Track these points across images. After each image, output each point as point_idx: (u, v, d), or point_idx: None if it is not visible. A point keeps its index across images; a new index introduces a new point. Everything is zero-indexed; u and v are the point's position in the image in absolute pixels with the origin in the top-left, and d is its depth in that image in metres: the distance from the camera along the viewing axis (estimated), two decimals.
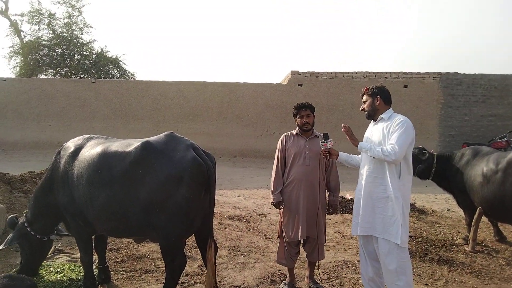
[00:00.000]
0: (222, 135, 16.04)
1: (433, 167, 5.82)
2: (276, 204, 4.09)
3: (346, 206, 7.55)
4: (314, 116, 4.19)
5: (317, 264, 4.20)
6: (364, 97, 3.64)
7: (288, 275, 4.22)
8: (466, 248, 5.40)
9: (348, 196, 8.17)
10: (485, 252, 5.35)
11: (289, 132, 4.27)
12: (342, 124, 3.57)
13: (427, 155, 5.79)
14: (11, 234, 3.90)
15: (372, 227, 3.38)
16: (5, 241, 3.86)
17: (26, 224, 3.89)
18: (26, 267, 3.89)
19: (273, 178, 4.15)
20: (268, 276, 4.39)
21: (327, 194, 4.16)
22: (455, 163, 5.68)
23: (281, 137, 4.27)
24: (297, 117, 4.14)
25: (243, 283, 4.20)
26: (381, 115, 3.50)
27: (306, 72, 15.93)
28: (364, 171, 3.52)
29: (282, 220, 4.12)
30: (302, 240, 4.13)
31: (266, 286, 4.19)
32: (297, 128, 4.21)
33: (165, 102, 16.33)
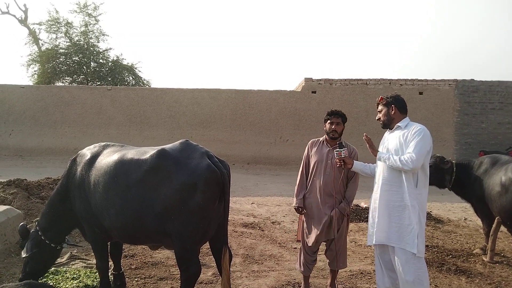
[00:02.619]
0: (235, 142, 16.08)
1: (452, 175, 5.75)
2: (297, 209, 4.13)
3: (361, 215, 7.48)
4: (344, 127, 4.14)
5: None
6: (379, 107, 3.64)
7: (302, 283, 4.19)
8: (484, 259, 5.30)
9: (363, 205, 8.09)
10: (504, 262, 5.24)
11: (317, 139, 4.28)
12: (364, 134, 3.60)
13: (449, 164, 5.72)
14: (28, 242, 3.90)
15: (388, 236, 3.34)
16: (25, 249, 3.86)
17: (40, 233, 3.89)
18: (31, 275, 3.84)
19: (297, 183, 4.21)
20: (283, 285, 4.35)
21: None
22: (473, 171, 5.59)
23: (308, 142, 4.30)
24: (327, 122, 4.12)
25: None
26: (397, 124, 3.48)
27: (320, 79, 15.91)
28: (379, 180, 3.49)
29: (302, 225, 4.15)
30: (324, 249, 4.16)
31: None
32: (325, 135, 4.20)
33: (179, 109, 16.46)
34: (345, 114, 4.15)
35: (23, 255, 3.84)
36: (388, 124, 3.56)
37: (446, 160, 5.76)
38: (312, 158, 4.12)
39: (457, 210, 8.68)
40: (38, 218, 4.07)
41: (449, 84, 15.46)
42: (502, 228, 5.40)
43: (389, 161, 3.33)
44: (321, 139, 4.22)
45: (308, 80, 15.93)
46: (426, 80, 15.58)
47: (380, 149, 3.65)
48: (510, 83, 15.39)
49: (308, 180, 4.15)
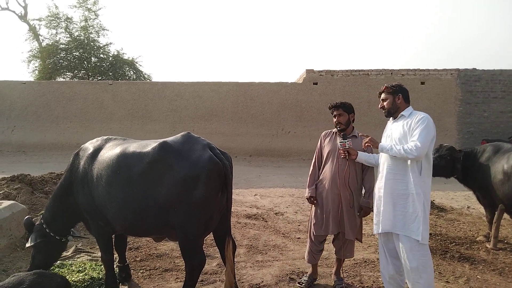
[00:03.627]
0: (237, 135, 16.08)
1: (460, 164, 5.76)
2: (309, 199, 4.15)
3: None
4: (352, 115, 4.11)
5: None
6: (383, 95, 3.62)
7: (310, 269, 4.21)
8: (488, 246, 5.32)
9: None
10: (507, 249, 5.26)
11: (329, 130, 4.30)
12: (364, 143, 3.61)
13: (462, 153, 5.73)
14: (32, 234, 3.93)
15: (393, 224, 3.35)
16: (29, 240, 3.89)
17: (44, 226, 3.91)
18: (38, 267, 3.85)
19: (309, 173, 4.24)
20: (287, 274, 4.38)
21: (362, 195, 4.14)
22: (476, 159, 5.59)
23: (321, 134, 4.33)
24: (332, 116, 4.16)
25: (262, 281, 4.20)
26: (401, 113, 3.49)
27: (322, 71, 15.86)
28: (384, 169, 3.49)
29: (311, 214, 4.18)
30: (332, 237, 4.19)
31: (285, 284, 4.18)
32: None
33: (181, 102, 16.46)
34: (345, 103, 4.11)
35: (27, 245, 3.88)
36: (393, 113, 3.56)
37: (459, 149, 5.79)
38: (325, 149, 4.15)
39: (460, 198, 8.69)
40: (43, 212, 4.09)
41: (451, 74, 15.40)
42: (505, 215, 5.41)
43: (392, 151, 3.33)
44: (333, 130, 4.24)
45: (309, 72, 15.89)
46: (428, 70, 15.51)
47: (383, 138, 3.65)
48: None
49: (320, 170, 4.18)
